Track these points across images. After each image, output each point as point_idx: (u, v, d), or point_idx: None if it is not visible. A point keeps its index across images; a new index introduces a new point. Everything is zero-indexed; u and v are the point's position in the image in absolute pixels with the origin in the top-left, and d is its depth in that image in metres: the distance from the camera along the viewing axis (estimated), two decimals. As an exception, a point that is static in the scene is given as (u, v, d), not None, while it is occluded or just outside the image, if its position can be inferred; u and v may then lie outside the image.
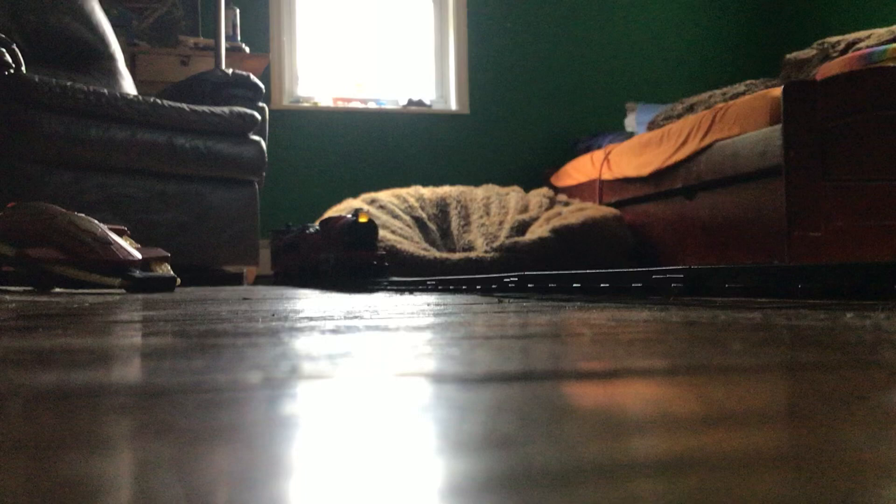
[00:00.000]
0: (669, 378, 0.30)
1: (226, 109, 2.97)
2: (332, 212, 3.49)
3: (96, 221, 1.97)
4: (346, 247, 2.37)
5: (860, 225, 2.67)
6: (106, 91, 2.78)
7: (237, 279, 3.13)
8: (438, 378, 0.31)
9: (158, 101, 2.86)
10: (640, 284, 0.97)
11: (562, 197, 3.79)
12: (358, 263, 2.36)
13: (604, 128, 4.36)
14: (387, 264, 2.43)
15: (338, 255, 2.37)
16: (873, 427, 0.21)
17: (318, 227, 2.68)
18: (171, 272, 2.06)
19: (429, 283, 1.70)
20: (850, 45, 3.23)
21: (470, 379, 0.30)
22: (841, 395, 0.25)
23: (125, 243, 1.97)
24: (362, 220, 2.41)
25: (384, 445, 0.20)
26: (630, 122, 4.27)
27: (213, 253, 2.97)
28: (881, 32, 3.18)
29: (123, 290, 1.88)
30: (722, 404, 0.25)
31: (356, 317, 0.78)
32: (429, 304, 1.03)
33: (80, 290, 1.90)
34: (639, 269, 0.99)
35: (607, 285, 1.05)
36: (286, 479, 0.17)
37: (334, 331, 0.59)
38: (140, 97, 2.88)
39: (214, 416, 0.24)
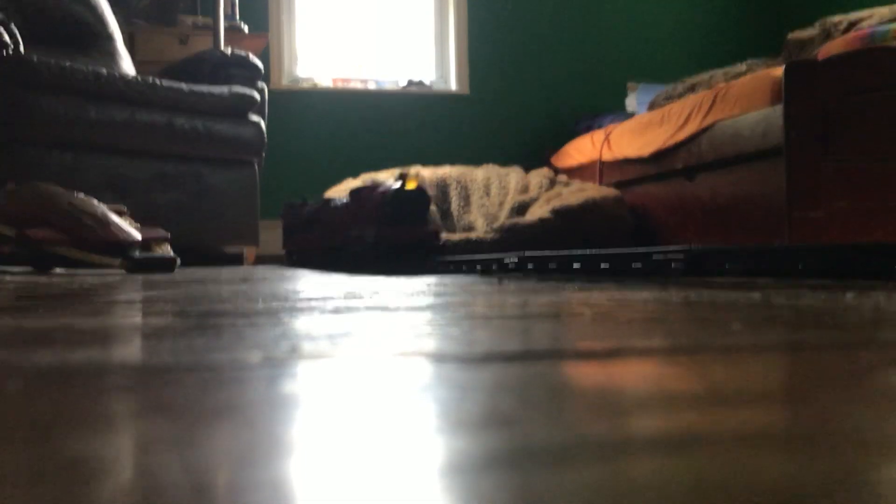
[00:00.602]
0: (671, 357, 0.30)
1: (225, 89, 2.96)
2: (332, 192, 3.48)
3: (96, 202, 1.97)
4: (389, 221, 1.98)
5: (861, 205, 2.67)
6: (105, 71, 2.77)
7: (237, 260, 3.13)
8: (438, 358, 0.31)
9: (157, 81, 2.84)
10: (640, 265, 0.97)
11: (562, 177, 3.79)
12: (405, 242, 1.96)
13: (604, 108, 4.34)
14: (441, 243, 2.05)
15: (378, 231, 1.97)
16: (875, 406, 0.21)
17: (345, 199, 2.30)
18: (171, 253, 2.06)
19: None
20: (853, 25, 3.21)
21: (469, 359, 0.31)
22: (842, 374, 0.25)
23: (125, 224, 1.97)
24: (410, 186, 1.99)
25: (382, 425, 0.20)
26: (631, 102, 4.25)
27: (213, 234, 2.97)
28: (883, 12, 3.16)
29: (123, 271, 1.88)
30: (723, 383, 0.25)
31: (356, 297, 0.78)
32: (428, 285, 1.03)
33: (80, 271, 1.90)
34: (639, 250, 0.99)
35: (607, 266, 1.05)
36: (286, 458, 0.17)
37: (334, 311, 0.59)
38: (139, 77, 2.86)
39: (215, 395, 0.24)
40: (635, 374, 0.27)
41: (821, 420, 0.19)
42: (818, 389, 0.23)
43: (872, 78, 2.69)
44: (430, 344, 0.36)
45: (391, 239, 1.95)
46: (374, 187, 2.10)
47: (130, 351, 0.36)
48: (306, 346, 0.35)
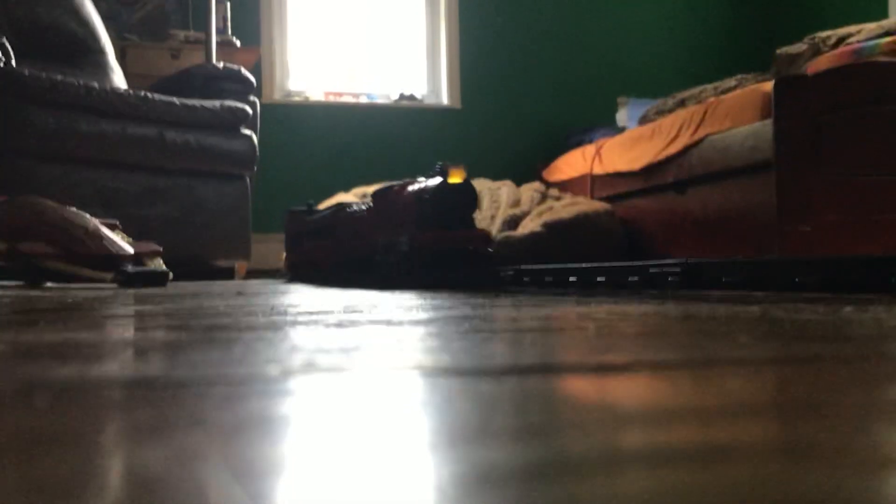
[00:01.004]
0: (680, 371, 0.30)
1: (216, 103, 2.96)
2: (322, 206, 3.48)
3: (88, 215, 1.96)
4: (428, 224, 1.64)
5: (851, 219, 2.69)
6: (96, 85, 2.77)
7: (228, 274, 3.13)
8: (456, 371, 0.32)
9: (149, 94, 2.85)
10: (636, 278, 0.98)
11: (553, 191, 3.80)
12: (449, 249, 1.61)
13: (595, 122, 4.37)
14: (491, 250, 1.70)
15: (413, 237, 1.63)
16: (878, 419, 0.21)
17: (365, 204, 2.02)
18: (164, 266, 2.06)
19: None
20: (841, 40, 3.24)
21: (489, 372, 0.31)
22: (854, 387, 0.25)
23: (117, 237, 1.97)
24: (455, 179, 1.64)
25: (408, 435, 0.20)
26: (622, 116, 4.28)
27: (205, 247, 2.96)
28: (871, 27, 3.19)
29: (115, 285, 1.87)
30: (733, 397, 0.25)
31: (355, 311, 0.78)
32: (426, 298, 1.03)
33: (72, 285, 1.90)
34: (636, 263, 1.00)
35: (603, 279, 1.06)
36: (321, 468, 0.17)
37: (338, 324, 0.59)
38: (130, 91, 2.86)
39: (244, 407, 0.24)
40: (649, 388, 0.28)
41: (838, 433, 0.20)
42: (833, 402, 0.24)
43: (861, 92, 2.71)
44: (444, 358, 0.36)
45: (432, 246, 1.60)
46: (403, 186, 1.81)
47: (148, 365, 0.37)
48: (321, 360, 0.36)
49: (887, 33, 3.03)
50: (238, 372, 0.32)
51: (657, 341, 0.42)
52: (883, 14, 3.92)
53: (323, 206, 3.60)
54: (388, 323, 0.60)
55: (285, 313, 0.77)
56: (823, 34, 3.33)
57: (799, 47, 3.36)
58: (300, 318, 0.67)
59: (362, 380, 0.30)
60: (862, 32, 3.18)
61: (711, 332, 0.45)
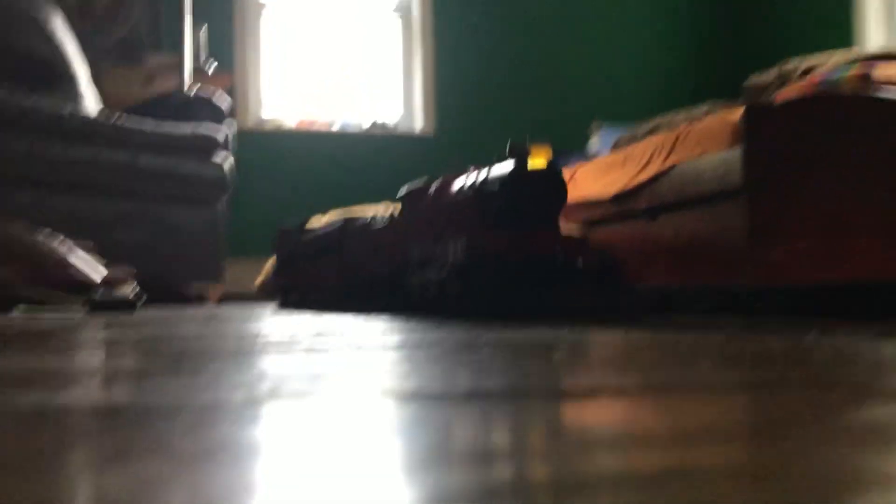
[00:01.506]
0: (647, 395, 0.31)
1: (189, 129, 2.96)
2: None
3: (59, 240, 1.95)
4: (497, 224, 1.24)
5: (820, 245, 2.72)
6: (68, 110, 2.75)
7: (200, 299, 3.10)
8: (420, 396, 0.32)
9: (121, 120, 2.83)
10: (609, 304, 0.99)
11: (527, 217, 3.81)
12: (529, 259, 1.20)
13: (569, 148, 4.40)
14: (610, 264, 1.40)
15: (474, 242, 1.24)
16: (838, 443, 0.22)
17: (384, 216, 1.70)
18: (134, 292, 2.04)
19: None
20: (809, 70, 3.29)
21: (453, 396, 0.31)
22: (807, 412, 0.26)
23: (89, 262, 1.95)
24: (537, 164, 1.25)
25: (366, 461, 0.21)
26: (594, 142, 4.31)
27: (176, 272, 2.94)
28: (838, 58, 3.25)
29: (86, 310, 1.85)
30: (692, 421, 0.25)
31: (326, 335, 0.78)
32: (396, 323, 1.03)
33: (42, 311, 1.88)
34: (608, 289, 1.02)
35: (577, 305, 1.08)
36: (278, 494, 0.18)
37: (308, 350, 0.59)
38: (102, 116, 2.85)
39: (207, 434, 0.24)
40: (609, 412, 0.28)
41: (787, 457, 0.20)
42: (784, 427, 0.24)
43: (828, 121, 2.76)
44: (410, 383, 0.36)
45: (503, 255, 1.19)
46: (448, 180, 1.44)
47: (114, 392, 0.36)
48: (288, 386, 0.36)
49: (854, 62, 3.09)
50: (203, 399, 0.32)
51: (622, 366, 0.42)
52: (849, 44, 4.00)
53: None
54: (359, 348, 0.60)
55: (256, 339, 0.76)
56: (792, 64, 3.38)
57: (768, 76, 3.42)
58: (270, 345, 0.67)
59: (326, 406, 0.30)
60: (829, 62, 3.24)
61: (675, 358, 0.46)
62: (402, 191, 1.59)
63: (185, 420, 0.27)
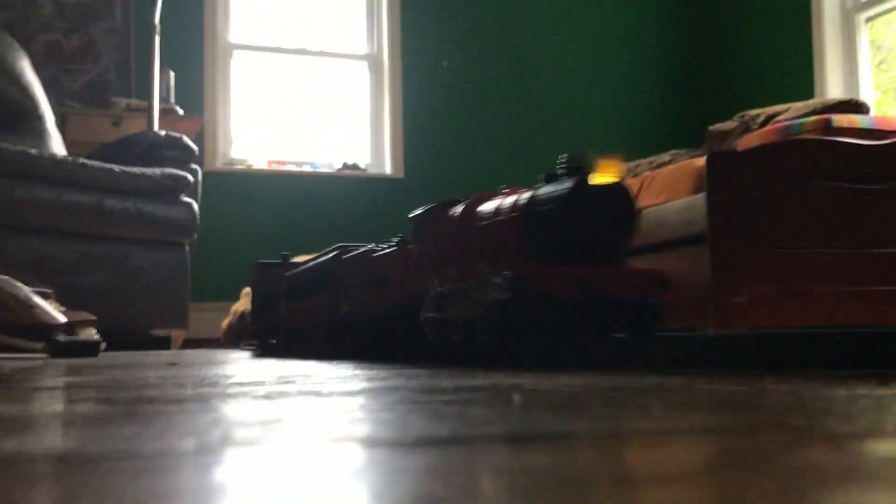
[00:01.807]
0: (587, 441, 0.31)
1: (157, 171, 2.95)
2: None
3: (20, 284, 1.92)
4: (550, 252, 1.05)
5: (783, 290, 2.75)
6: (33, 151, 2.74)
7: (165, 344, 3.07)
8: (370, 443, 0.32)
9: (87, 161, 2.82)
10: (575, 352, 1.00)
11: (494, 261, 3.83)
12: (594, 299, 1.01)
13: (535, 194, 4.44)
14: (663, 300, 1.09)
15: (520, 274, 1.02)
16: (780, 487, 0.22)
17: (386, 245, 1.47)
18: (97, 336, 2.01)
19: None
20: (770, 118, 3.36)
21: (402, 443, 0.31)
22: (749, 456, 0.26)
23: (49, 306, 1.93)
24: (603, 179, 1.05)
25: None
26: (561, 188, 4.36)
27: (141, 316, 2.91)
28: (798, 106, 3.32)
29: (46, 355, 1.83)
30: (638, 466, 0.26)
31: (288, 381, 0.77)
32: (361, 367, 1.03)
33: (2, 355, 1.85)
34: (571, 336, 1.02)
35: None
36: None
37: (266, 396, 0.59)
38: (69, 158, 2.83)
39: (150, 483, 0.24)
40: (555, 457, 0.28)
41: (732, 501, 0.21)
42: (731, 471, 0.25)
43: (789, 168, 2.81)
44: (363, 429, 0.36)
45: (559, 291, 0.97)
46: (478, 199, 1.23)
47: (66, 439, 0.36)
48: (239, 433, 0.35)
49: (813, 112, 3.16)
50: (153, 446, 0.32)
51: (575, 411, 0.43)
52: (809, 94, 4.10)
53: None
54: (318, 394, 0.60)
55: (215, 385, 0.76)
56: (753, 112, 3.45)
57: (729, 124, 3.48)
58: (229, 391, 0.66)
59: (274, 454, 0.30)
60: (790, 111, 3.31)
61: (630, 403, 0.46)
62: (416, 213, 1.37)
63: (134, 467, 0.27)
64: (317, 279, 1.75)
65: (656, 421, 0.37)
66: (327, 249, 1.78)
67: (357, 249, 1.60)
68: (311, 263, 1.84)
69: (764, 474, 0.24)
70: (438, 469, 0.26)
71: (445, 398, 0.54)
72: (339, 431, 0.36)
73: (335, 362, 1.31)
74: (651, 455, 0.28)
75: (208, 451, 0.30)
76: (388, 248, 1.46)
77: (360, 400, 0.54)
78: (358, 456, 0.29)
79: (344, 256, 1.64)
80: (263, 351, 2.14)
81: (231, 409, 0.48)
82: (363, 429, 0.36)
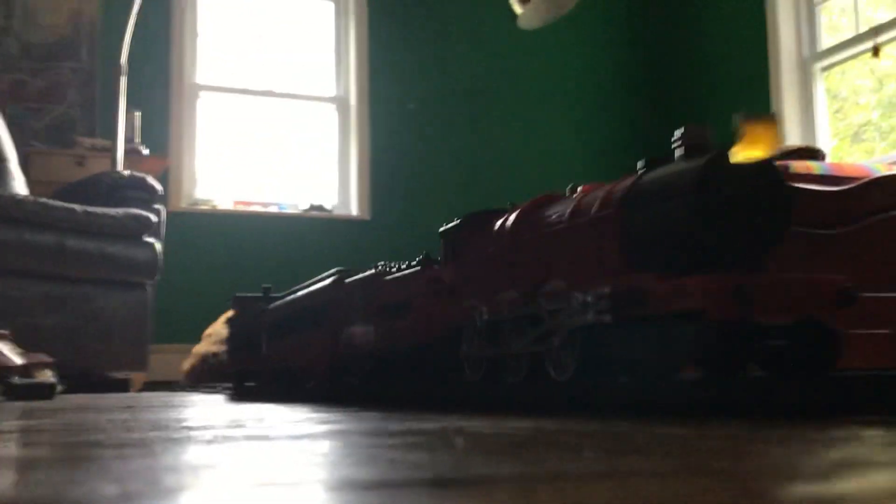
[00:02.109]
0: (507, 485, 0.31)
1: (120, 211, 2.92)
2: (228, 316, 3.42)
3: (-25, 325, 1.89)
4: (669, 258, 0.81)
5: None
6: (-5, 190, 2.71)
7: (123, 386, 3.02)
8: (298, 484, 0.32)
9: (49, 201, 2.79)
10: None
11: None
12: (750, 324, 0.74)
13: (502, 236, 4.46)
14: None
15: (631, 288, 0.80)
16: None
17: (415, 264, 1.26)
18: (53, 378, 1.98)
19: None
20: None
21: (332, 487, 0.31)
22: (661, 501, 0.27)
23: (6, 348, 1.90)
24: (751, 154, 0.82)
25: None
26: (527, 230, 4.39)
27: (100, 358, 2.86)
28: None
29: (2, 398, 1.79)
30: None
31: (238, 426, 0.77)
32: (318, 412, 1.02)
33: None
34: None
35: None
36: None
37: (210, 441, 0.58)
38: (30, 197, 2.81)
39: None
40: (463, 501, 0.29)
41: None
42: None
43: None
44: (293, 473, 0.36)
45: (703, 309, 0.72)
46: (538, 202, 1.05)
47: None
48: (168, 479, 0.35)
49: (773, 159, 3.22)
50: (76, 492, 0.32)
51: (501, 455, 0.43)
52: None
53: (224, 319, 3.51)
54: (264, 438, 0.60)
55: (164, 429, 0.75)
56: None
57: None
58: (175, 435, 0.66)
59: (196, 500, 0.30)
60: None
61: (563, 446, 0.47)
62: (447, 226, 1.18)
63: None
64: (311, 310, 1.49)
65: (582, 464, 0.38)
66: (322, 275, 1.52)
67: (360, 273, 1.38)
68: (302, 292, 1.59)
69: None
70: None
71: (390, 442, 0.54)
72: (268, 476, 0.36)
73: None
74: (560, 497, 0.28)
75: (128, 498, 0.30)
76: (407, 269, 1.24)
77: (304, 444, 0.53)
78: (277, 499, 0.29)
79: (347, 280, 1.39)
80: (239, 395, 1.92)
81: (170, 455, 0.48)
82: (293, 473, 0.36)
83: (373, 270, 1.38)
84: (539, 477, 0.33)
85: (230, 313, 2.21)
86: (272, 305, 1.79)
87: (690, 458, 0.40)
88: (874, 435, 0.50)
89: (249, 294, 2.04)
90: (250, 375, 1.92)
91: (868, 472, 0.33)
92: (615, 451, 0.43)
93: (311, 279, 1.69)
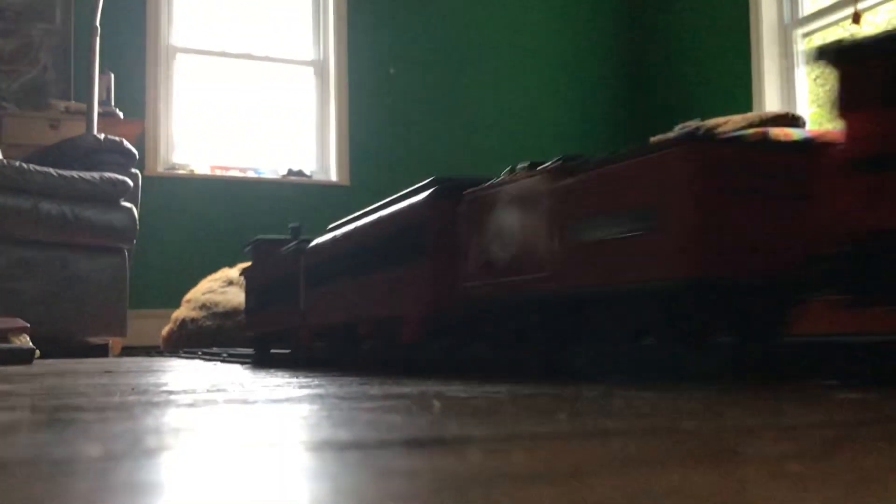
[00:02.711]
0: (489, 444, 0.32)
1: (96, 175, 2.90)
2: (207, 282, 3.42)
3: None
4: None
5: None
6: (-32, 154, 2.68)
7: (102, 351, 3.02)
8: (277, 445, 0.33)
9: (24, 164, 2.76)
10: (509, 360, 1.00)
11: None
12: None
13: (481, 202, 4.47)
14: None
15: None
16: (632, 486, 0.24)
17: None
18: (30, 344, 1.98)
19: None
20: (709, 131, 3.43)
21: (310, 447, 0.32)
22: (621, 460, 0.28)
23: (-18, 313, 1.89)
24: None
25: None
26: (506, 196, 4.39)
27: (78, 323, 2.86)
28: (737, 119, 3.41)
29: (-23, 362, 1.79)
30: (517, 468, 0.27)
31: (218, 390, 0.77)
32: (297, 376, 1.03)
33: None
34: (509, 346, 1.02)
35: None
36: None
37: (191, 405, 0.59)
38: (4, 161, 2.78)
39: (46, 486, 0.25)
40: (431, 461, 0.29)
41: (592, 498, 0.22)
42: (596, 472, 0.26)
43: (731, 179, 2.88)
44: (271, 435, 0.37)
45: None
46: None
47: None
48: (150, 440, 0.36)
49: (751, 125, 3.24)
50: (59, 453, 0.32)
51: (479, 417, 0.44)
52: (748, 107, 4.20)
53: (204, 282, 3.51)
54: (244, 402, 0.60)
55: (144, 393, 0.75)
56: (692, 124, 3.53)
57: (670, 136, 3.55)
58: (155, 399, 0.66)
59: (179, 459, 0.30)
60: (728, 124, 3.39)
61: (537, 410, 0.48)
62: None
63: (32, 472, 0.27)
64: (388, 240, 1.11)
65: (554, 426, 0.39)
66: (400, 194, 1.15)
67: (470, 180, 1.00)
68: (367, 220, 1.22)
69: (616, 474, 0.25)
70: (327, 471, 0.27)
71: (369, 405, 0.55)
72: (247, 437, 0.36)
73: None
74: (531, 456, 0.29)
75: (111, 458, 0.31)
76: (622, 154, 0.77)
77: (283, 407, 0.54)
78: (256, 459, 0.30)
79: (470, 191, 0.98)
80: (260, 362, 1.59)
81: (151, 417, 0.48)
82: (272, 434, 0.37)
83: (495, 178, 0.96)
84: (511, 437, 0.34)
85: (243, 267, 1.81)
86: (315, 243, 1.40)
87: (659, 419, 0.41)
88: (842, 398, 0.52)
89: (273, 237, 1.68)
90: (276, 339, 1.58)
91: (821, 431, 0.35)
92: (587, 413, 0.45)
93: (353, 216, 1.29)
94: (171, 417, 0.48)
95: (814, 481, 0.23)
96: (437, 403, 0.53)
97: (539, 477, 0.24)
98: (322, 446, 0.33)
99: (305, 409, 0.53)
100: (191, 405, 0.58)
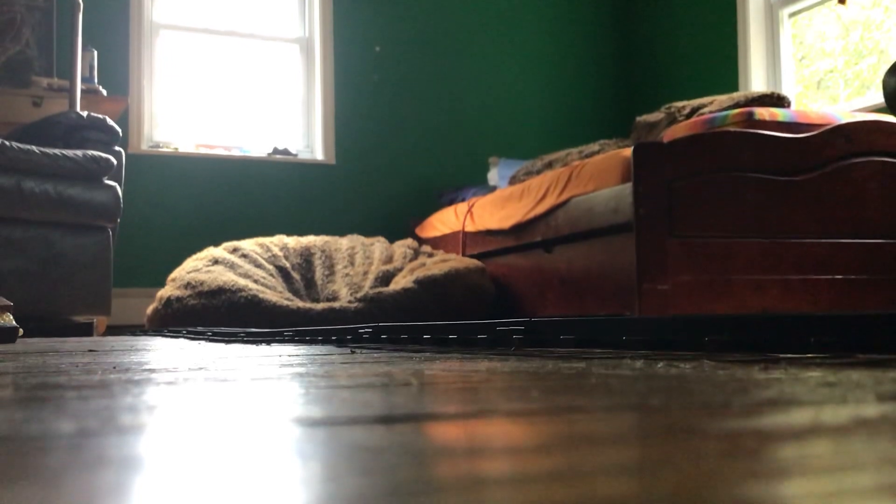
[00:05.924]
0: (471, 420, 0.33)
1: (79, 153, 2.88)
2: (192, 260, 3.41)
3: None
4: None
5: (704, 278, 2.83)
6: (-50, 131, 2.65)
7: (87, 330, 3.01)
8: (258, 422, 0.33)
9: (5, 142, 2.74)
10: (485, 336, 1.01)
11: (426, 248, 3.85)
12: None
13: (468, 181, 4.47)
14: None
15: None
16: (606, 461, 0.24)
17: None
18: (13, 322, 1.97)
19: (285, 334, 1.65)
20: (695, 110, 3.45)
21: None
22: (592, 436, 0.28)
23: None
24: None
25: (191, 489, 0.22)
26: (493, 175, 4.40)
27: (62, 302, 2.85)
28: (722, 99, 3.41)
29: (-40, 341, 1.78)
30: (495, 442, 0.27)
31: (199, 368, 0.78)
32: (281, 356, 1.03)
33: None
34: (484, 321, 1.03)
35: (455, 336, 1.09)
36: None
37: (170, 383, 0.59)
38: (-13, 138, 2.75)
39: (19, 462, 0.25)
40: (402, 436, 0.30)
41: (555, 473, 0.22)
42: (564, 447, 0.26)
43: (713, 159, 2.89)
44: (244, 413, 0.37)
45: None
46: None
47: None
48: (125, 417, 0.36)
49: (737, 105, 3.25)
50: (33, 430, 0.33)
51: (464, 396, 0.44)
52: (734, 87, 4.20)
53: (189, 262, 3.50)
54: (225, 381, 0.60)
55: (125, 371, 0.75)
56: (679, 104, 3.53)
57: (656, 116, 3.56)
58: (136, 377, 0.66)
59: (150, 436, 0.31)
60: (714, 104, 3.40)
61: (518, 387, 0.48)
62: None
63: (4, 449, 0.28)
64: None
65: (527, 403, 0.39)
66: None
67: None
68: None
69: (594, 452, 0.26)
70: (293, 447, 0.27)
71: (347, 383, 0.55)
72: (220, 415, 0.37)
73: (257, 347, 1.29)
74: (499, 430, 0.30)
75: (85, 435, 0.31)
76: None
77: (261, 385, 0.54)
78: (226, 435, 0.30)
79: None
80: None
81: (129, 395, 0.49)
82: (244, 412, 0.37)
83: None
84: (481, 414, 0.35)
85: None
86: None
87: (629, 396, 0.42)
88: (811, 376, 0.53)
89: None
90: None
91: (790, 410, 0.35)
92: (560, 391, 0.45)
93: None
94: (148, 395, 0.48)
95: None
96: (414, 382, 0.54)
97: (503, 451, 0.25)
98: (292, 423, 0.33)
99: (283, 386, 0.53)
100: (170, 383, 0.58)
